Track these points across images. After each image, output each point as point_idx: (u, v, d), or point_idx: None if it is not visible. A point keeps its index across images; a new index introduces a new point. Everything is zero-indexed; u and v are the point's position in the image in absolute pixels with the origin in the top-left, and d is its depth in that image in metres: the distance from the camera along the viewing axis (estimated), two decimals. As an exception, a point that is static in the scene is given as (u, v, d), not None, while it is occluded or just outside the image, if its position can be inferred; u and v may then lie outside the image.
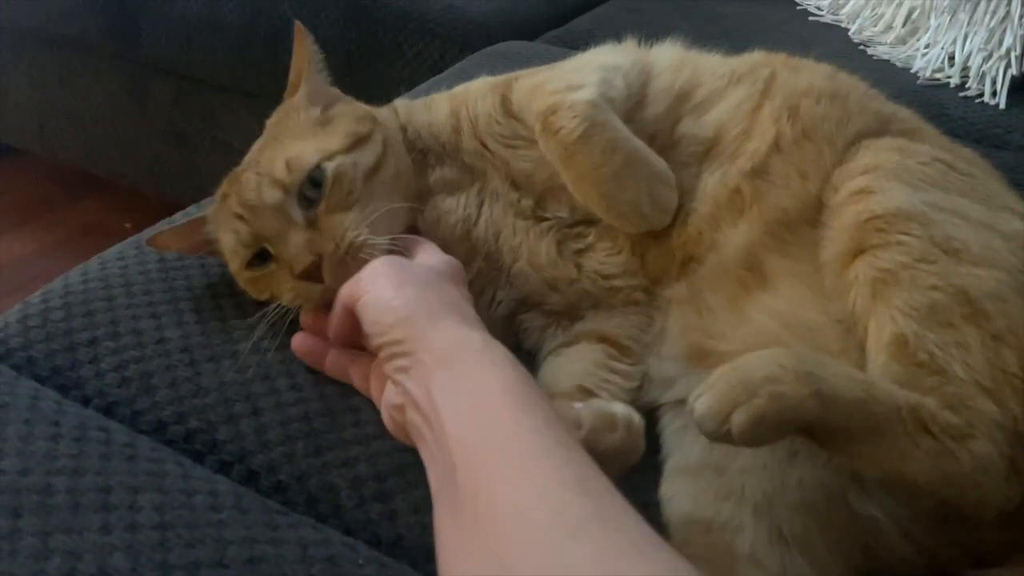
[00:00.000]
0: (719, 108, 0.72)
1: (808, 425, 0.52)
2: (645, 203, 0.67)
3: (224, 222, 0.67)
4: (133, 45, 1.63)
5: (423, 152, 0.73)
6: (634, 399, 0.67)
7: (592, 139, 0.66)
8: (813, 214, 0.66)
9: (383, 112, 0.75)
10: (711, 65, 0.77)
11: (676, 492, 0.60)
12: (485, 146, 0.72)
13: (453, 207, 0.71)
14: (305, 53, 0.73)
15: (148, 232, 0.79)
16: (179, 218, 0.81)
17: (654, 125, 0.72)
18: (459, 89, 0.79)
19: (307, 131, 0.69)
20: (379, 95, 0.80)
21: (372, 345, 0.57)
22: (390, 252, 0.62)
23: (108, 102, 1.76)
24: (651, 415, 0.68)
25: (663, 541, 0.41)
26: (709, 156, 0.71)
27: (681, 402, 0.66)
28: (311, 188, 0.64)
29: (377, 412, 0.62)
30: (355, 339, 0.62)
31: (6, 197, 2.00)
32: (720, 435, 0.50)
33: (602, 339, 0.69)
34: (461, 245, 0.70)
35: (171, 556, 0.50)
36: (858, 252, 0.61)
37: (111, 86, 1.74)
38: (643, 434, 0.59)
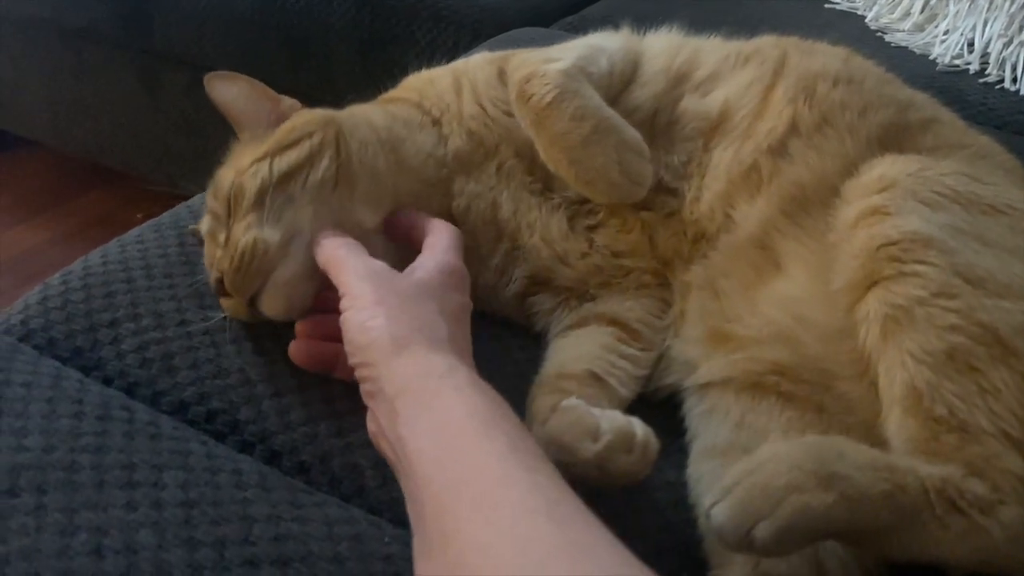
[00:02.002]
0: (724, 88, 0.72)
1: (837, 531, 0.49)
2: (614, 171, 0.66)
3: None
4: (145, 36, 1.63)
5: (437, 123, 0.73)
6: (643, 386, 0.67)
7: (561, 105, 0.65)
8: (830, 197, 0.65)
9: (360, 112, 0.72)
10: (711, 47, 0.76)
11: (704, 473, 0.60)
12: (485, 111, 0.72)
13: (478, 191, 0.70)
14: (226, 101, 0.71)
15: (166, 217, 0.79)
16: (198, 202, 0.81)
17: (654, 103, 0.71)
18: (459, 62, 0.79)
19: (234, 156, 0.68)
20: (392, 83, 0.80)
21: (349, 360, 0.55)
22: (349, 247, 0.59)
23: (119, 93, 1.75)
24: (673, 397, 0.67)
25: (638, 562, 0.40)
26: (718, 132, 0.70)
27: (705, 386, 0.65)
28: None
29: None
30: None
31: (18, 188, 2.01)
32: (742, 547, 0.48)
33: (613, 322, 0.68)
34: (490, 228, 0.70)
35: (197, 533, 0.50)
36: (870, 284, 0.57)
37: (123, 77, 1.74)
38: (656, 457, 0.56)
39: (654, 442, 0.56)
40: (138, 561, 0.48)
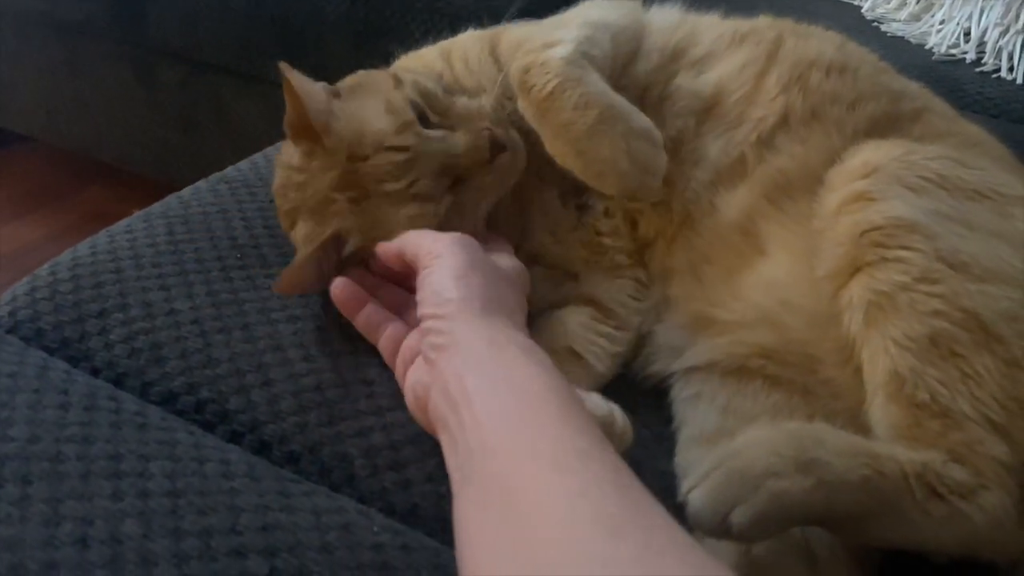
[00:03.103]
0: (719, 68, 0.71)
1: (815, 517, 0.49)
2: (623, 161, 0.62)
3: None
4: (140, 30, 1.62)
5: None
6: (620, 364, 0.67)
7: (564, 95, 0.62)
8: (814, 184, 0.64)
9: None
10: (710, 24, 0.75)
11: (692, 461, 0.59)
12: (481, 86, 0.70)
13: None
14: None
15: (156, 208, 0.78)
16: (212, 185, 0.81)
17: (647, 78, 0.70)
18: (446, 42, 0.78)
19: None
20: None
21: (419, 313, 0.55)
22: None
23: (115, 88, 1.75)
24: (660, 384, 0.67)
25: (697, 543, 0.40)
26: (711, 116, 0.69)
27: (691, 370, 0.65)
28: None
29: (392, 384, 0.61)
30: (399, 280, 0.62)
31: (14, 184, 2.00)
32: (719, 533, 0.48)
33: (589, 302, 0.68)
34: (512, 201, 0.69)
35: (183, 523, 0.49)
36: (854, 271, 0.57)
37: (118, 72, 1.73)
38: (630, 445, 0.56)
39: (630, 430, 0.56)
40: (123, 551, 0.47)
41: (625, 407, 0.63)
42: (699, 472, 0.49)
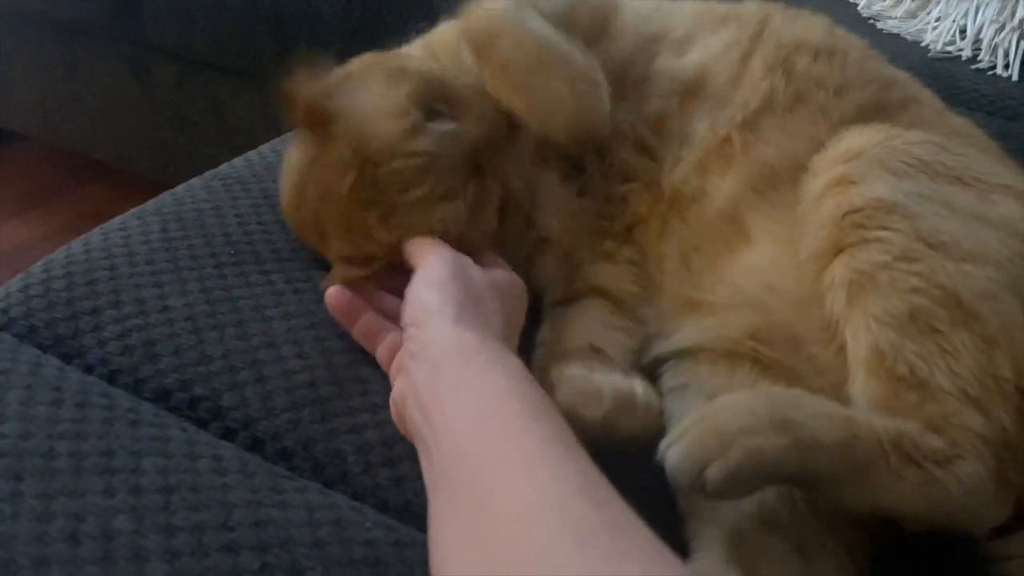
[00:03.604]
0: (701, 49, 0.71)
1: (788, 475, 0.50)
2: (566, 99, 0.61)
3: None
4: (136, 29, 1.62)
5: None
6: (633, 360, 0.66)
7: (503, 33, 0.62)
8: (799, 174, 0.65)
9: None
10: (688, 5, 0.75)
11: None
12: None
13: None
14: None
15: (150, 205, 0.78)
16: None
17: (624, 58, 0.70)
18: (427, 35, 0.79)
19: None
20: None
21: (401, 319, 0.56)
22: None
23: (111, 86, 1.75)
24: (651, 373, 0.67)
25: (670, 551, 0.40)
26: (696, 97, 0.69)
27: (680, 355, 0.65)
28: None
29: (385, 382, 0.61)
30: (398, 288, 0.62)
31: (10, 184, 2.00)
32: (694, 489, 0.48)
33: (601, 293, 0.68)
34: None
35: (175, 519, 0.49)
36: (836, 252, 0.58)
37: (114, 70, 1.73)
38: (662, 414, 0.58)
39: (655, 401, 0.57)
40: (115, 547, 0.47)
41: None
42: (676, 432, 0.49)
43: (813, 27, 0.73)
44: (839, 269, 0.56)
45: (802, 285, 0.60)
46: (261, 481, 0.54)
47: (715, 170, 0.67)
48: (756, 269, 0.63)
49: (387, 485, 0.57)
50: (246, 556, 0.48)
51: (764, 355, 0.61)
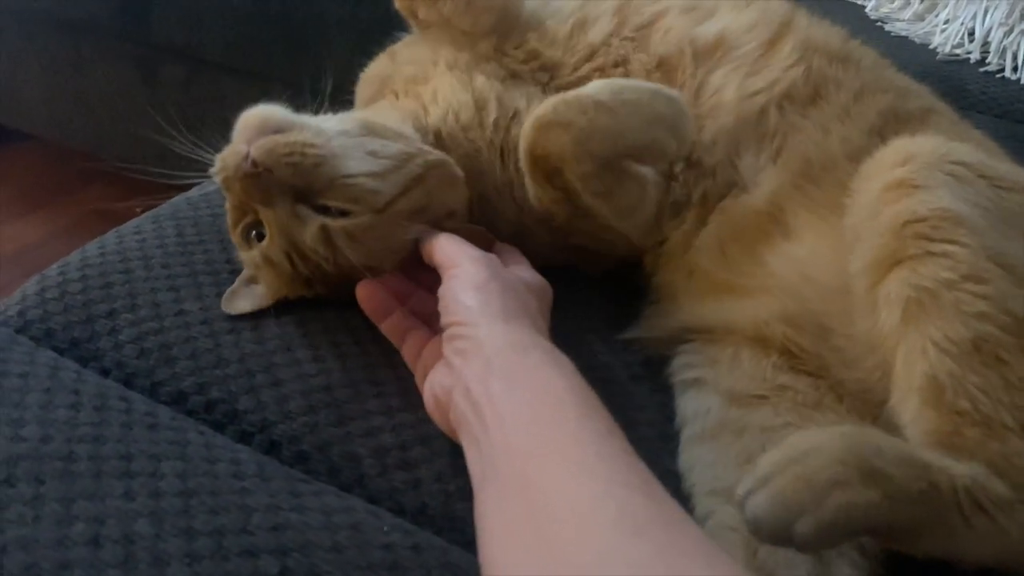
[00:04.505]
0: (723, 21, 0.72)
1: (873, 528, 0.48)
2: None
3: None
4: (143, 28, 1.62)
5: None
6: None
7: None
8: (836, 174, 0.65)
9: None
10: None
11: (695, 461, 0.59)
12: None
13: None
14: None
15: (165, 208, 0.78)
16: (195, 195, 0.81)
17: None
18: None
19: None
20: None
21: (442, 323, 0.56)
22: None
23: (118, 86, 1.75)
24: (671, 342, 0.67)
25: (723, 550, 0.40)
26: (714, 57, 0.70)
27: (705, 330, 0.65)
28: None
29: (401, 384, 0.62)
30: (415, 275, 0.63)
31: (16, 183, 2.00)
32: (778, 540, 0.46)
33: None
34: None
35: (195, 522, 0.50)
36: (893, 263, 0.54)
37: (121, 70, 1.73)
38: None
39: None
40: (136, 551, 0.48)
41: (631, 405, 0.64)
42: (758, 475, 0.47)
43: (831, 33, 0.74)
44: (895, 284, 0.53)
45: (837, 278, 0.59)
46: (279, 485, 0.55)
47: (750, 149, 0.67)
48: (794, 259, 0.63)
49: (403, 488, 0.57)
50: (265, 560, 0.49)
51: (794, 342, 0.60)
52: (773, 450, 0.49)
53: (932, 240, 0.53)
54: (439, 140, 0.69)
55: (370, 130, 0.64)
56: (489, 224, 0.68)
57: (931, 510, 0.48)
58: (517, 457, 0.45)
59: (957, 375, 0.49)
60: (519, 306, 0.55)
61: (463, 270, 0.57)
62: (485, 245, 0.63)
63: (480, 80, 0.70)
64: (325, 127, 0.62)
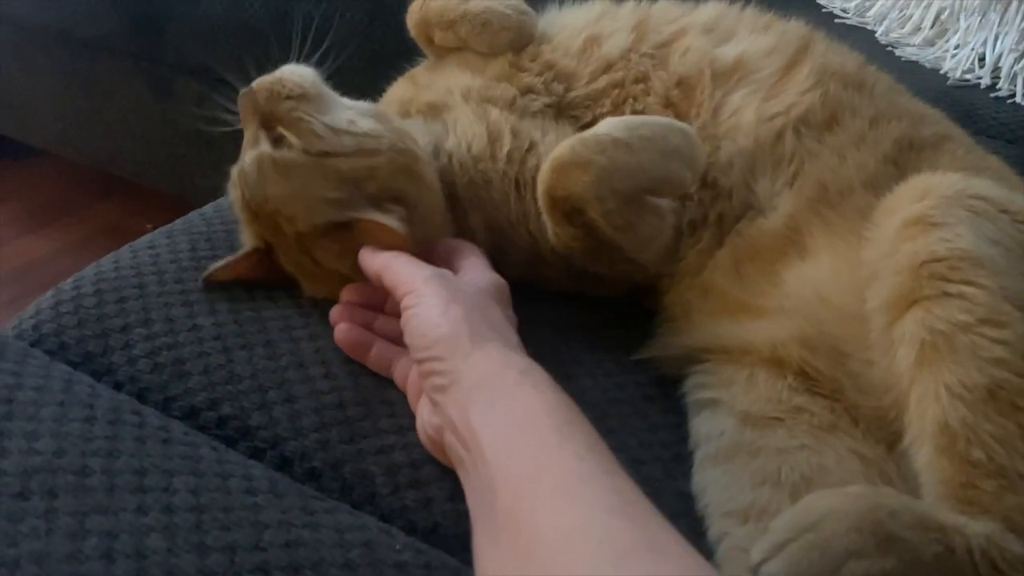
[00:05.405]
0: (741, 44, 0.72)
1: None
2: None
3: None
4: (157, 46, 1.64)
5: None
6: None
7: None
8: (853, 199, 0.65)
9: None
10: (720, 6, 0.78)
11: (709, 482, 0.59)
12: None
13: None
14: None
15: (178, 224, 0.79)
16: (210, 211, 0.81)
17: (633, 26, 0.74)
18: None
19: None
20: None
21: (413, 358, 0.56)
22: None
23: (131, 103, 1.76)
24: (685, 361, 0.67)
25: (712, 569, 0.40)
26: (732, 79, 0.70)
27: (721, 350, 0.65)
28: None
29: (412, 403, 0.62)
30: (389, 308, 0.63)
31: (29, 197, 2.01)
32: None
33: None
34: None
35: (207, 538, 0.50)
36: (910, 303, 0.53)
37: (134, 87, 1.74)
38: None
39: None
40: (148, 566, 0.47)
41: (645, 426, 0.64)
42: (773, 541, 0.46)
43: (847, 59, 0.74)
44: (911, 324, 0.52)
45: (854, 303, 0.58)
46: (291, 501, 0.54)
47: (766, 173, 0.67)
48: (811, 281, 0.62)
49: (415, 507, 0.57)
50: (277, 577, 0.49)
51: (810, 364, 0.60)
52: (788, 512, 0.48)
53: (949, 281, 0.52)
54: (450, 164, 0.70)
55: (374, 112, 0.67)
56: (501, 253, 0.69)
57: (947, 573, 0.47)
58: (501, 493, 0.44)
59: (971, 423, 0.48)
60: (485, 323, 0.54)
61: (421, 299, 0.55)
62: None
63: (495, 113, 0.71)
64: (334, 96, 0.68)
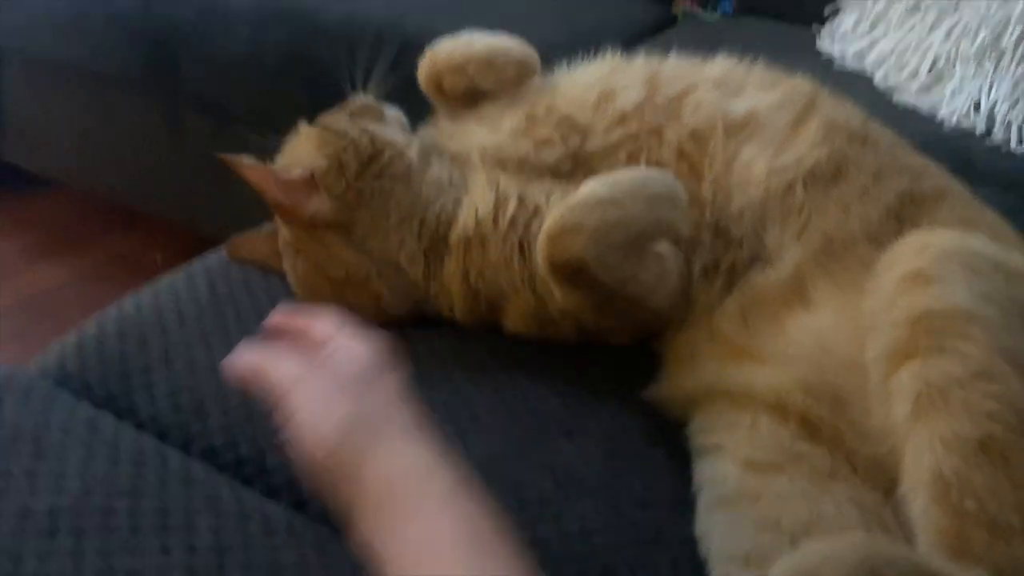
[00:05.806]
0: (751, 100, 0.75)
1: None
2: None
3: None
4: (172, 81, 1.67)
5: None
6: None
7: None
8: (856, 252, 0.67)
9: None
10: (726, 63, 0.80)
11: (712, 527, 0.60)
12: None
13: None
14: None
15: (197, 266, 0.81)
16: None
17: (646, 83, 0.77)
18: None
19: None
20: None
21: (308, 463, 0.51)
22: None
23: (145, 136, 1.79)
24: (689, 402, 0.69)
25: None
26: (743, 133, 0.73)
27: (724, 394, 0.66)
28: None
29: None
30: None
31: (42, 228, 2.04)
32: None
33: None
34: None
35: (229, 578, 0.51)
36: (906, 356, 0.55)
37: (148, 121, 1.78)
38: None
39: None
40: (172, 605, 0.49)
41: (649, 470, 0.65)
42: None
43: (852, 114, 0.77)
44: (907, 376, 0.53)
45: (855, 353, 0.60)
46: (308, 540, 0.56)
47: (775, 223, 0.69)
48: (815, 330, 0.64)
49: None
50: (296, 616, 0.50)
51: (812, 412, 0.62)
52: (787, 558, 0.49)
53: (944, 335, 0.53)
54: (453, 214, 0.74)
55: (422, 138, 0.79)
56: (500, 314, 0.73)
57: None
58: None
59: (963, 474, 0.49)
60: (375, 410, 0.51)
61: (300, 404, 0.51)
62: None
63: (504, 180, 0.74)
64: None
